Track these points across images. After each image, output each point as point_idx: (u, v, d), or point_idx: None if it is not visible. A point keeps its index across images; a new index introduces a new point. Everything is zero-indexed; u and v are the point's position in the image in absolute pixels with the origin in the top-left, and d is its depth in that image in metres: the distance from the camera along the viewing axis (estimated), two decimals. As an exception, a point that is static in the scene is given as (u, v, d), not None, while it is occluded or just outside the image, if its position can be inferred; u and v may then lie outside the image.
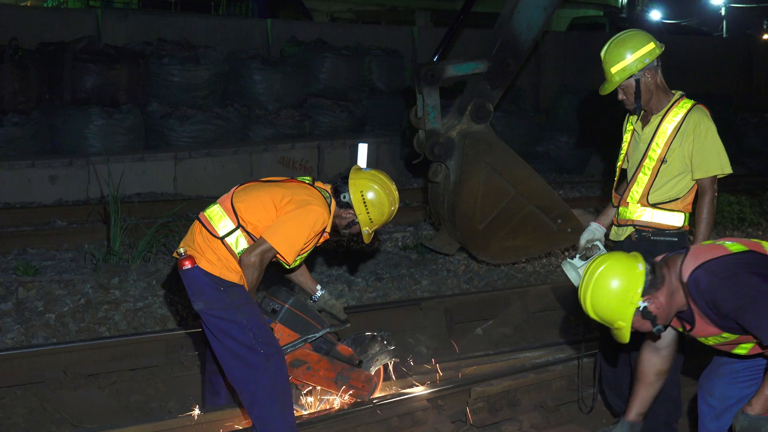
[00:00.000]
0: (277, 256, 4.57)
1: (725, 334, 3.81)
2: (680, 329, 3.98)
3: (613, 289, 3.67)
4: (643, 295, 3.67)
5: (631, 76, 4.82)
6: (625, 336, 3.73)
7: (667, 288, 3.74)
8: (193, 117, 13.79)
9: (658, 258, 3.92)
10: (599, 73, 4.98)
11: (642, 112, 4.98)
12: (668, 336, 4.12)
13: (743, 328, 3.65)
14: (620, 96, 4.93)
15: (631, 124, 5.14)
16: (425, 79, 9.04)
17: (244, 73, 14.90)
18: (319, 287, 5.28)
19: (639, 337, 4.81)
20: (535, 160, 14.97)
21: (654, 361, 4.19)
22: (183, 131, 13.75)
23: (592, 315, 3.75)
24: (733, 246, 3.87)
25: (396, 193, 4.87)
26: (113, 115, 13.19)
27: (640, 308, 3.67)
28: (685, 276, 3.75)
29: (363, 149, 10.24)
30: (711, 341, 3.92)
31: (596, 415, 5.68)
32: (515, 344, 7.22)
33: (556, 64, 18.70)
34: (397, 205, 4.88)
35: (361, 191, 4.74)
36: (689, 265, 3.77)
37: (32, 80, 12.96)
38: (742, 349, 3.94)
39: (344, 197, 4.76)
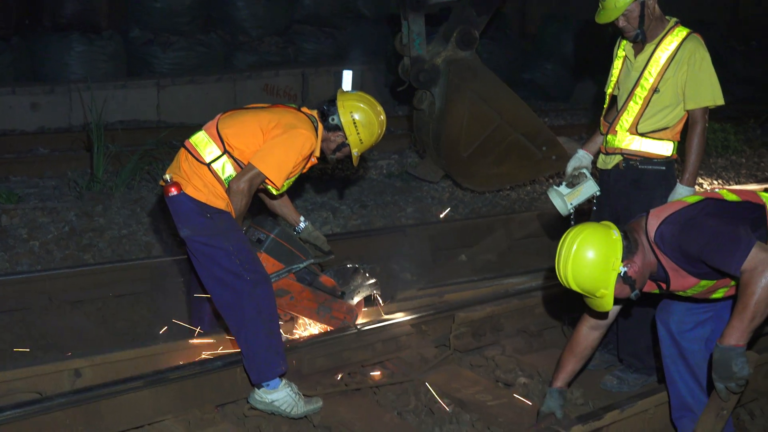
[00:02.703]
0: (266, 181, 4.56)
1: (703, 282, 3.87)
2: (656, 291, 4.03)
3: (594, 258, 3.68)
4: (622, 261, 3.71)
5: (635, 0, 4.73)
6: (609, 303, 3.76)
7: (641, 251, 3.79)
8: (175, 43, 13.62)
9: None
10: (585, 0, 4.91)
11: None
12: (611, 314, 4.18)
13: (715, 271, 3.69)
14: (621, 23, 4.81)
15: (622, 50, 5.07)
16: (411, 5, 8.92)
17: (227, -1, 14.67)
18: (302, 219, 5.29)
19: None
20: (520, 87, 14.88)
21: (592, 337, 4.27)
22: (165, 58, 13.60)
23: (574, 286, 3.76)
24: (690, 198, 3.98)
25: (383, 115, 4.85)
26: (94, 42, 13.01)
27: (621, 274, 3.71)
28: (651, 234, 3.80)
29: (348, 76, 10.13)
30: (690, 292, 3.97)
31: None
32: (499, 270, 7.25)
33: (543, -10, 18.46)
34: (385, 126, 4.88)
35: (351, 112, 4.72)
36: (653, 223, 3.82)
37: (11, 5, 12.74)
38: (719, 293, 3.99)
39: (333, 120, 4.74)
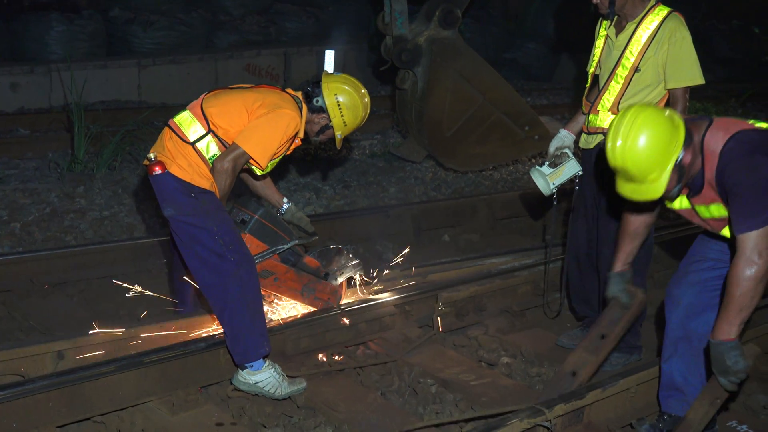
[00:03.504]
0: (250, 161, 4.55)
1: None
2: (676, 206, 3.90)
3: (656, 135, 3.45)
4: (682, 148, 3.52)
5: None
6: (658, 190, 3.51)
7: (693, 149, 3.61)
8: (156, 23, 13.53)
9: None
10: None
11: (616, 17, 4.90)
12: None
13: None
14: (594, 0, 4.84)
15: (604, 30, 5.06)
16: (393, -17, 8.91)
17: (208, -23, 14.58)
18: (285, 200, 5.27)
19: (605, 255, 4.87)
20: (503, 66, 14.89)
21: (642, 215, 4.17)
22: (146, 37, 13.51)
23: (628, 164, 3.48)
24: (756, 122, 3.75)
25: (368, 97, 4.84)
26: (74, 21, 12.92)
27: (678, 159, 3.51)
28: (709, 142, 3.61)
29: (330, 56, 10.09)
30: (712, 211, 3.79)
31: (561, 320, 5.77)
32: (482, 250, 7.27)
33: (525, -32, 18.46)
34: (369, 109, 4.86)
35: (335, 94, 4.71)
36: (718, 135, 3.62)
37: (-12, -15, 12.66)
38: (728, 231, 3.87)
39: (317, 101, 4.72)
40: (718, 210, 3.78)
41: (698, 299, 4.13)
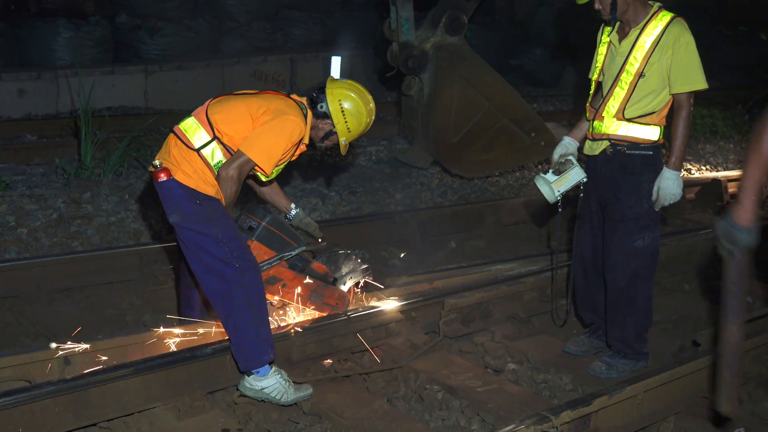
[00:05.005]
0: (255, 168, 4.55)
1: None
2: None
3: None
4: None
5: None
6: None
7: None
8: (163, 29, 13.57)
9: None
10: (574, -16, 4.90)
11: (618, 23, 4.90)
12: None
13: None
14: (596, 6, 4.82)
15: (606, 36, 5.06)
16: (399, -10, 8.92)
17: (215, -17, 14.63)
18: (293, 206, 5.27)
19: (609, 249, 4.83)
20: (509, 73, 14.89)
21: None
22: (153, 44, 13.55)
23: None
24: None
25: (373, 104, 4.84)
26: (81, 27, 12.97)
27: None
28: None
29: (336, 62, 10.13)
30: None
31: (567, 326, 5.75)
32: (488, 257, 7.27)
33: (531, -26, 18.47)
34: (374, 115, 4.86)
35: (339, 100, 4.71)
36: None
37: (-4, -9, 12.71)
38: None
39: (321, 107, 4.72)
40: None
41: None
